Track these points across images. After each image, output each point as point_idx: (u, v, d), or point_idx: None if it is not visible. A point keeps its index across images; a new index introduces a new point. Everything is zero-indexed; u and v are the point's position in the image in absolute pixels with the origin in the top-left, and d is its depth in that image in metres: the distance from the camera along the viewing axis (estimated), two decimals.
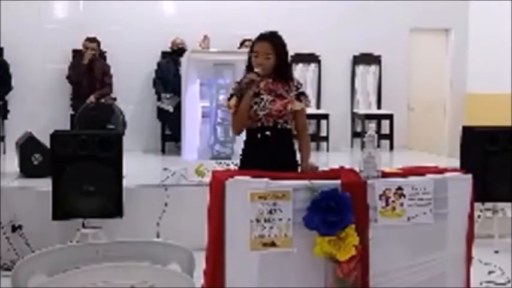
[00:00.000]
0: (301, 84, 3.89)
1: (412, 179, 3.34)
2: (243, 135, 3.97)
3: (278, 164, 3.61)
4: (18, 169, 5.78)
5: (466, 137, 5.71)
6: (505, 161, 5.49)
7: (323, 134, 8.27)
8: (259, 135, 3.77)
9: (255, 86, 3.73)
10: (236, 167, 4.75)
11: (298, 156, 3.89)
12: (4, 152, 7.30)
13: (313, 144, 7.99)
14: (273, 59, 3.75)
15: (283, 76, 3.82)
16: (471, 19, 9.04)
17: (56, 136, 4.88)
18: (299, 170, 3.81)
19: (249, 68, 3.80)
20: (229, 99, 3.84)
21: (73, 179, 4.78)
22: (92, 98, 7.25)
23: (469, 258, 3.47)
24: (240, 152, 3.96)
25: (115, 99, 7.20)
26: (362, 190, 3.21)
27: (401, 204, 3.28)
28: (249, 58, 3.82)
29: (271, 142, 3.76)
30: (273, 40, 3.77)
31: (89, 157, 4.81)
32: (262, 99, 3.75)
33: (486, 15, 8.71)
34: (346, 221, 3.09)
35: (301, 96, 3.83)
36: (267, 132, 3.75)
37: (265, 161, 3.66)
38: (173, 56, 7.75)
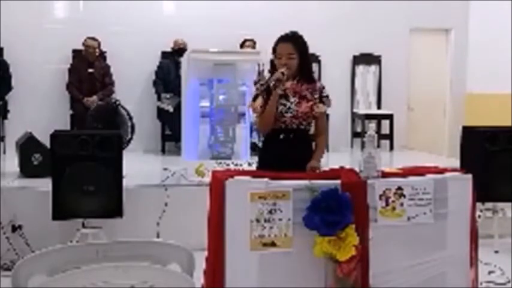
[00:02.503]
0: (324, 87, 3.87)
1: (412, 179, 3.34)
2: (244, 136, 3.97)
3: (296, 166, 3.61)
4: (18, 169, 5.77)
5: (466, 137, 5.71)
6: (505, 161, 5.49)
7: None
8: (281, 136, 3.76)
9: (282, 86, 3.70)
10: (236, 167, 4.75)
11: None
12: (4, 152, 7.30)
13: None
14: (296, 58, 3.73)
15: (307, 77, 3.82)
16: (471, 19, 9.05)
17: (56, 136, 4.88)
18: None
19: (273, 71, 3.76)
20: (253, 100, 3.79)
21: (73, 179, 4.78)
22: (94, 99, 7.24)
23: (472, 258, 3.45)
24: (257, 152, 3.94)
25: (117, 101, 7.16)
26: (362, 190, 3.21)
27: (401, 204, 3.28)
28: (272, 61, 3.80)
29: (293, 144, 3.75)
30: (294, 40, 3.75)
31: (89, 157, 4.81)
32: (288, 100, 3.74)
33: (486, 15, 8.71)
34: (346, 221, 3.09)
35: (324, 98, 3.83)
36: (291, 135, 3.75)
37: (284, 162, 3.65)
38: (174, 56, 7.75)
